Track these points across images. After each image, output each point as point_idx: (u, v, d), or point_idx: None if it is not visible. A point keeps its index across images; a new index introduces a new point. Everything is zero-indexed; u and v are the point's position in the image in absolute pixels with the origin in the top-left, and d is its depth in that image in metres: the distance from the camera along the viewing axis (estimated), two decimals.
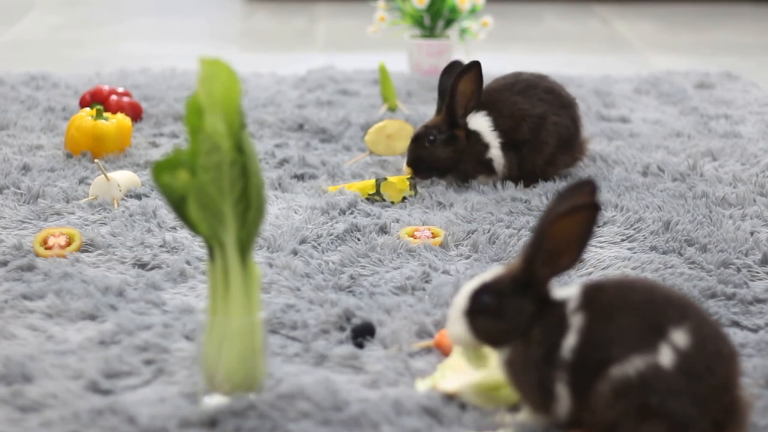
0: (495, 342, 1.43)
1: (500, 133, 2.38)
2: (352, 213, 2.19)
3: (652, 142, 2.72)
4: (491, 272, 1.44)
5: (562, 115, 2.40)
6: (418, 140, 2.38)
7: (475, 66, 2.33)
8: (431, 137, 2.37)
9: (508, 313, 1.41)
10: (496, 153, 2.38)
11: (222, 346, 1.46)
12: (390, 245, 2.03)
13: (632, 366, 1.33)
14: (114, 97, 2.77)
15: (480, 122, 2.39)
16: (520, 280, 1.41)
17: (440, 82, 2.41)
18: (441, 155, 2.37)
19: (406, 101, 3.02)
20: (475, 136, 2.38)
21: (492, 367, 1.50)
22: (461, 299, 1.43)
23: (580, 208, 1.38)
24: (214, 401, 1.48)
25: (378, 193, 2.29)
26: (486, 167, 2.40)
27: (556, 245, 1.39)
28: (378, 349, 1.67)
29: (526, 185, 2.38)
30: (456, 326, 1.44)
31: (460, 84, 2.34)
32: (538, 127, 2.38)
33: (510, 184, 2.37)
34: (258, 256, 1.97)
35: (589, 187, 1.42)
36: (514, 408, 1.49)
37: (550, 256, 1.40)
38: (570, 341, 1.37)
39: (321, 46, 3.98)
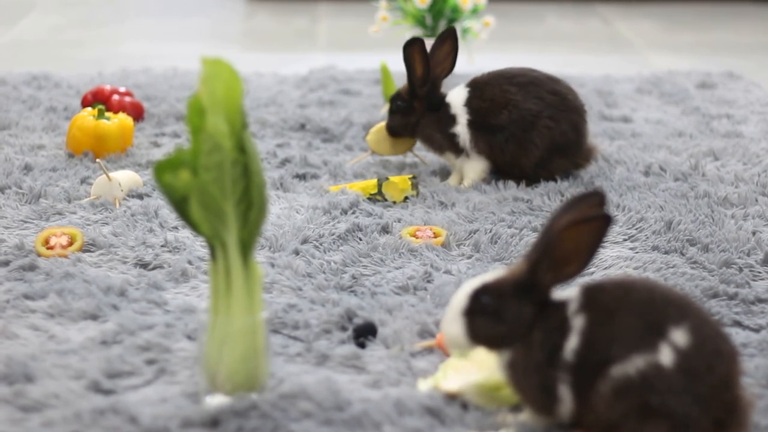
0: (492, 344, 1.42)
1: (471, 110, 2.40)
2: (353, 213, 2.19)
3: (654, 141, 2.72)
4: (493, 273, 1.44)
5: (560, 120, 2.37)
6: (390, 103, 2.49)
7: (418, 41, 2.39)
8: (398, 103, 2.47)
9: (507, 316, 1.40)
10: (461, 129, 2.41)
11: (224, 345, 1.46)
12: (392, 245, 2.03)
13: (633, 365, 1.33)
14: (116, 97, 2.77)
15: (456, 95, 2.43)
16: (523, 283, 1.41)
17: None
18: (396, 122, 2.47)
19: None
20: (445, 108, 2.43)
21: (493, 367, 1.50)
22: (460, 298, 1.43)
23: (593, 218, 1.37)
24: (216, 401, 1.48)
25: (380, 192, 2.29)
26: (451, 142, 2.42)
27: (563, 253, 1.39)
28: (380, 349, 1.67)
29: (528, 184, 2.38)
30: (453, 326, 1.43)
31: (407, 57, 2.42)
32: (527, 124, 2.37)
33: (511, 183, 2.37)
34: (260, 256, 1.97)
35: (598, 197, 1.41)
36: (516, 408, 1.49)
37: (556, 264, 1.39)
38: (572, 343, 1.37)
39: (323, 46, 3.98)
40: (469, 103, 2.41)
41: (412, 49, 2.41)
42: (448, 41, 2.43)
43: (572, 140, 2.40)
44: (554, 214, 1.40)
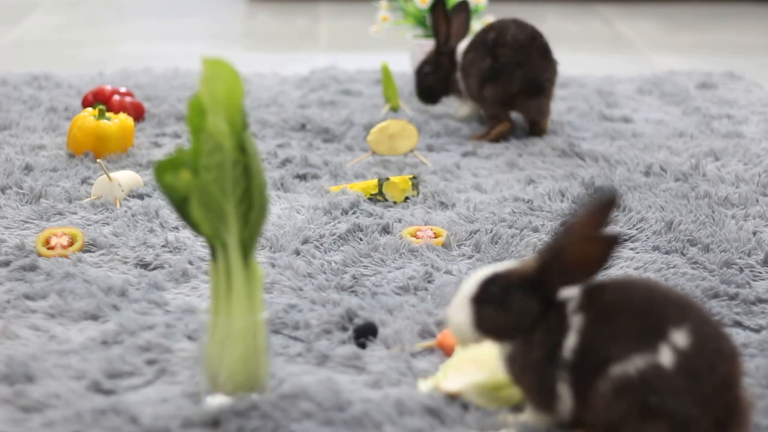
0: (496, 335, 1.42)
1: (463, 56, 2.76)
2: (354, 213, 2.19)
3: (655, 142, 2.72)
4: (505, 264, 1.43)
5: (487, 53, 2.67)
6: (417, 74, 2.86)
7: (440, 3, 2.78)
8: (425, 70, 2.85)
9: (513, 307, 1.40)
10: (458, 74, 2.78)
11: (224, 346, 1.46)
12: (392, 245, 2.03)
13: (632, 365, 1.34)
14: (116, 97, 2.77)
15: (462, 43, 2.80)
16: (532, 279, 1.41)
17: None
18: (431, 82, 2.85)
19: (408, 101, 3.02)
20: (454, 56, 2.81)
21: (494, 367, 1.50)
22: (470, 285, 1.42)
23: (605, 239, 1.38)
24: (217, 401, 1.48)
25: (380, 193, 2.29)
26: (456, 86, 2.81)
27: (573, 260, 1.39)
28: (380, 349, 1.67)
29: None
30: (459, 312, 1.42)
31: (433, 19, 2.79)
32: (472, 60, 2.71)
33: (513, 183, 2.38)
34: (260, 256, 1.98)
35: (613, 199, 1.40)
36: (516, 408, 1.49)
37: (566, 268, 1.39)
38: (571, 341, 1.37)
39: (324, 46, 3.98)
40: (465, 51, 2.75)
41: (436, 11, 2.78)
42: (463, 12, 2.82)
43: (490, 67, 2.67)
44: (572, 217, 1.39)
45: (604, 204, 1.39)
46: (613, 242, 1.38)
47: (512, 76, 2.67)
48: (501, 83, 2.68)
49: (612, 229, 1.39)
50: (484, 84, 2.69)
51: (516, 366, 1.42)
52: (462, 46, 2.78)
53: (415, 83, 2.86)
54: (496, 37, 2.69)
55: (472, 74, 2.72)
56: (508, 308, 1.40)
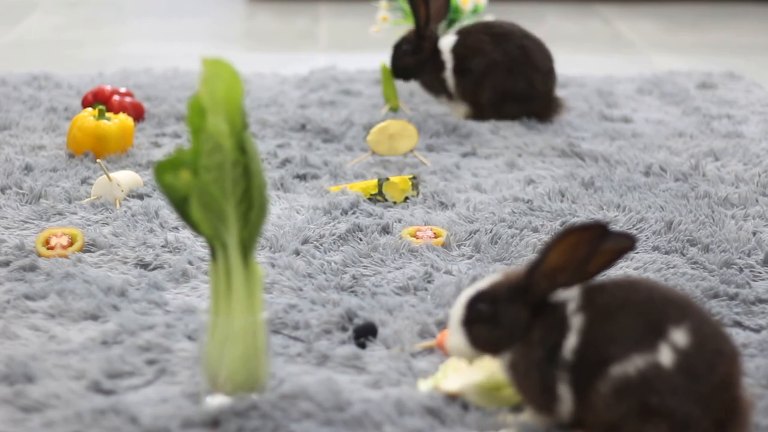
0: (493, 349, 1.43)
1: (455, 56, 2.78)
2: (354, 213, 2.19)
3: (655, 142, 2.72)
4: (486, 280, 1.45)
5: (515, 71, 2.75)
6: (395, 50, 2.83)
7: None
8: (404, 48, 2.82)
9: (503, 319, 1.41)
10: (448, 75, 2.79)
11: (224, 346, 1.46)
12: (392, 245, 2.03)
13: (632, 365, 1.34)
14: (116, 97, 2.77)
15: (446, 42, 2.80)
16: (518, 287, 1.42)
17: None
18: (409, 63, 2.82)
19: (408, 101, 3.02)
20: (437, 54, 2.80)
21: (494, 367, 1.50)
22: (458, 309, 1.44)
23: (587, 228, 1.38)
24: (217, 401, 1.48)
25: (380, 193, 2.29)
26: (443, 87, 2.81)
27: (557, 262, 1.40)
28: (380, 350, 1.67)
29: (481, 118, 2.78)
30: (455, 338, 1.44)
31: (412, 0, 2.77)
32: (488, 70, 2.76)
33: (513, 183, 2.38)
34: (260, 257, 1.98)
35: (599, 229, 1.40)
36: (516, 408, 1.49)
37: (551, 271, 1.40)
38: (571, 342, 1.37)
39: (323, 46, 3.98)
40: (454, 50, 2.78)
41: None
42: None
43: (523, 91, 2.76)
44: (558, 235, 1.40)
45: (592, 228, 1.39)
46: (596, 233, 1.38)
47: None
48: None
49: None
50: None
51: (519, 370, 1.42)
52: (446, 43, 2.80)
53: (391, 57, 2.83)
54: (521, 52, 2.78)
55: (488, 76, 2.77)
56: (499, 321, 1.42)
